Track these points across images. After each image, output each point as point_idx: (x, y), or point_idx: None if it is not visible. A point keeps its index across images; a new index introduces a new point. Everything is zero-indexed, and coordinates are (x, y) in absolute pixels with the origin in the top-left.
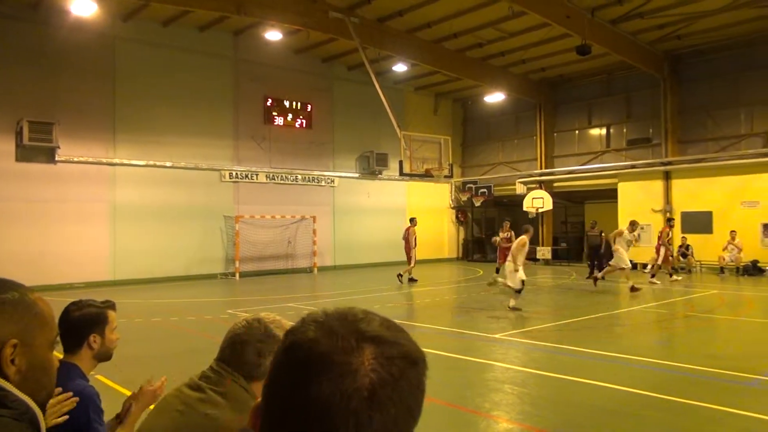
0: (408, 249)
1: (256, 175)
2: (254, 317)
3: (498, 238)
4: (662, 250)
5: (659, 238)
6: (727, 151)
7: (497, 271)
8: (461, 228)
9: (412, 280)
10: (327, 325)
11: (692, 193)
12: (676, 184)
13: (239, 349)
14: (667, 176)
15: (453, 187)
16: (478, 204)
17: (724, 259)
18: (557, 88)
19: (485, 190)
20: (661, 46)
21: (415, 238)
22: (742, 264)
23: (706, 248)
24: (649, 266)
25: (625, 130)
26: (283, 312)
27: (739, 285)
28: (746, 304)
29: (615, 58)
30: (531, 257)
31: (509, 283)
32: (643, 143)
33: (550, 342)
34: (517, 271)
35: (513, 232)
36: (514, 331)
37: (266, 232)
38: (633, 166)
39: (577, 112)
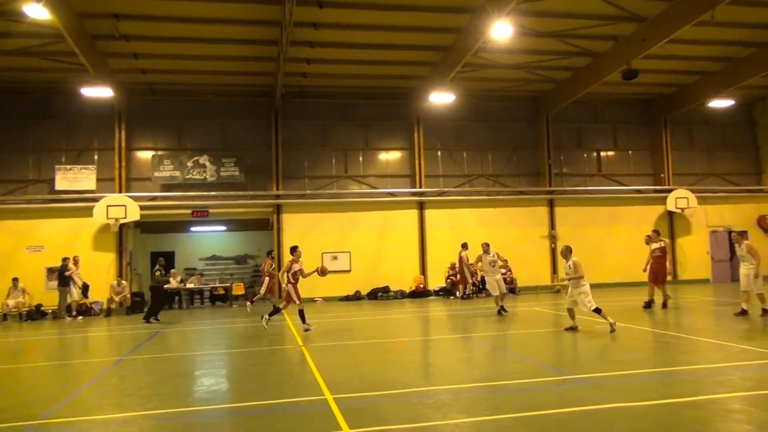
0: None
1: None
2: None
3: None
4: (266, 280)
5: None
6: (14, 194)
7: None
8: None
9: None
10: None
11: None
12: None
13: None
14: None
15: None
16: None
17: (8, 306)
18: None
19: None
20: None
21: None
22: (26, 309)
23: None
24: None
25: None
26: None
27: (21, 331)
28: (28, 350)
29: None
30: None
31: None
32: None
33: None
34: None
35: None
36: None
37: None
38: None
39: None
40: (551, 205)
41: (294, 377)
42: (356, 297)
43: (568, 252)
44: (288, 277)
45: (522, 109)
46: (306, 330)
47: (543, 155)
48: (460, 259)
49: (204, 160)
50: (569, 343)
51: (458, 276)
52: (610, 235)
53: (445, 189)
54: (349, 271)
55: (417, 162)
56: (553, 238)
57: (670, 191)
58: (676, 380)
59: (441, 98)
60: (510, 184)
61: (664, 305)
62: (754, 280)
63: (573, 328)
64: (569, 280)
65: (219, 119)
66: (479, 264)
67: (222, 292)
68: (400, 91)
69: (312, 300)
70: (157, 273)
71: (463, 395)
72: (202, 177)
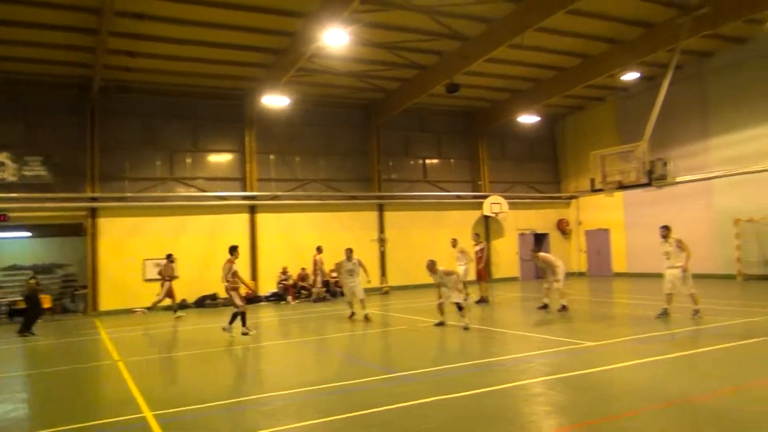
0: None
1: None
2: None
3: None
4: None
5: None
6: None
7: None
8: None
9: None
10: None
11: None
12: None
13: None
14: None
15: None
16: None
17: None
18: None
19: None
20: None
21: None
22: None
23: None
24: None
25: None
26: None
27: None
28: None
29: None
30: None
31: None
32: None
33: None
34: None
35: None
36: None
37: None
38: None
39: None
40: (380, 209)
41: (108, 396)
42: (182, 305)
43: (433, 265)
44: (230, 279)
45: (354, 116)
46: (244, 334)
47: (373, 161)
48: (315, 261)
49: (3, 157)
50: (395, 342)
51: (311, 278)
52: (434, 238)
53: (278, 193)
54: (175, 278)
55: (248, 165)
56: (381, 241)
57: (485, 197)
58: (487, 371)
59: (275, 101)
60: (342, 189)
61: (479, 302)
62: (556, 285)
63: (462, 326)
64: (452, 288)
65: (22, 113)
66: (338, 271)
67: (23, 305)
68: (232, 92)
69: (131, 311)
70: (32, 281)
71: (295, 400)
72: (1, 177)
